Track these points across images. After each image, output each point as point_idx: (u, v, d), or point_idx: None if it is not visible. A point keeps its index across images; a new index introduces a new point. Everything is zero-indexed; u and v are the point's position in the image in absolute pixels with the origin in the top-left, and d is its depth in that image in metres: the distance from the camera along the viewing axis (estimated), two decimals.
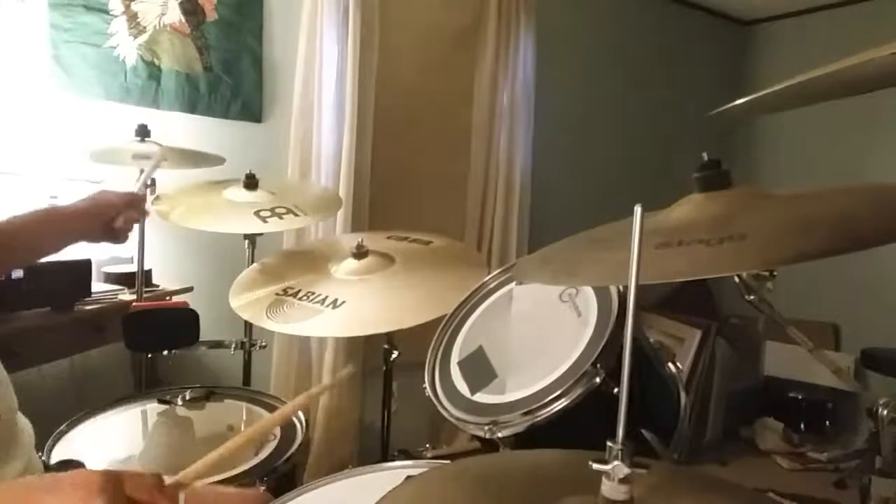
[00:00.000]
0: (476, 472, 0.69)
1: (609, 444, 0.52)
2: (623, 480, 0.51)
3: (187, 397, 1.52)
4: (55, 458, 1.19)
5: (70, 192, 1.98)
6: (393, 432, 1.73)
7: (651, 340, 1.22)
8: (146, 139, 1.87)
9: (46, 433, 1.26)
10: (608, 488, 0.52)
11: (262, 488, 1.14)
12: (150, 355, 1.88)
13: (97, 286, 1.87)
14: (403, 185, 2.72)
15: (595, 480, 0.53)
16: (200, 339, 1.70)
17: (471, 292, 1.35)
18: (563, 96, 3.16)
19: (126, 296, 1.90)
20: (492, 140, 2.84)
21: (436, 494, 0.63)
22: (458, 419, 1.13)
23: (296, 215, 1.72)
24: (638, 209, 0.53)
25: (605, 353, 1.03)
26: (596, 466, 0.52)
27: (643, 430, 1.03)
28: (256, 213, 1.68)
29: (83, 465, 1.05)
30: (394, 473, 1.06)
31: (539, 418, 1.02)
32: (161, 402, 1.50)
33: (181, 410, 1.49)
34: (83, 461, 1.07)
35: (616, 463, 0.51)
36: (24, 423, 0.90)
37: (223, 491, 1.12)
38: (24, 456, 0.87)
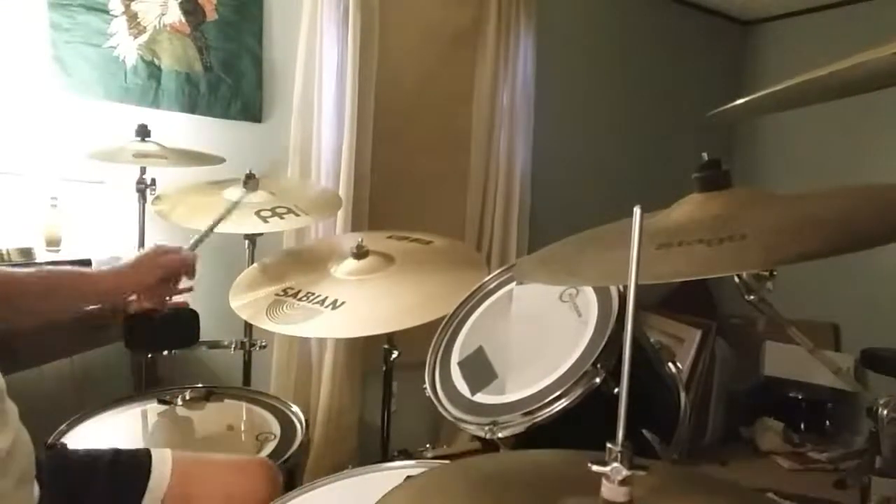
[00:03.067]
0: (476, 472, 0.69)
1: (608, 445, 0.52)
2: (622, 482, 0.51)
3: (187, 397, 1.52)
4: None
5: (70, 192, 1.98)
6: (393, 432, 1.73)
7: (651, 340, 1.22)
8: (146, 139, 1.87)
9: (46, 433, 1.26)
10: (608, 490, 0.52)
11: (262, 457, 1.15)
12: (150, 355, 1.88)
13: None
14: (403, 185, 2.72)
15: (595, 481, 0.53)
16: (200, 339, 1.70)
17: (471, 292, 1.35)
18: (563, 96, 3.16)
19: None
20: (492, 140, 2.84)
21: (436, 494, 0.63)
22: (458, 419, 1.13)
23: (296, 215, 1.72)
24: (637, 210, 0.53)
25: (606, 353, 1.03)
26: (595, 468, 0.52)
27: (643, 430, 1.03)
28: (257, 213, 1.69)
29: (66, 447, 1.06)
30: (394, 473, 1.06)
31: (539, 418, 1.02)
32: (161, 402, 1.50)
33: (181, 410, 1.49)
34: (66, 443, 1.08)
35: (615, 465, 0.51)
36: (10, 404, 0.90)
37: (219, 458, 1.12)
38: (12, 430, 0.87)
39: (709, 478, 0.67)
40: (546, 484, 0.63)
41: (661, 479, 0.62)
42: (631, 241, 0.52)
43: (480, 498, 0.61)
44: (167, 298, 1.26)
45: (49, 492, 0.93)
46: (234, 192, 1.78)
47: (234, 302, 1.54)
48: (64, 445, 1.06)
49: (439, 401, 1.18)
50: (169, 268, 1.23)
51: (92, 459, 1.03)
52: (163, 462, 1.02)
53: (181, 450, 1.09)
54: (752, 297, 0.86)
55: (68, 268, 1.16)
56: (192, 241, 1.38)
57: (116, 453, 1.04)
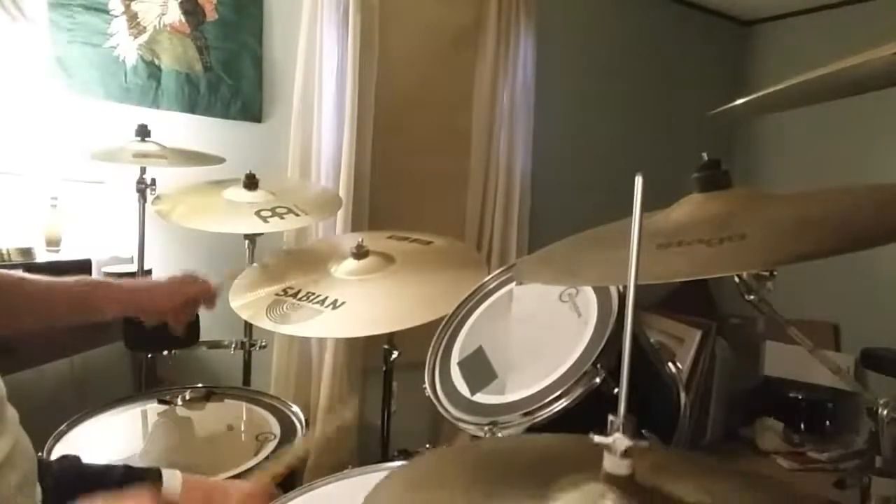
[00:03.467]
0: (477, 453, 0.69)
1: (610, 417, 0.52)
2: (625, 454, 0.51)
3: (187, 397, 1.52)
4: (55, 457, 1.19)
5: (70, 192, 1.98)
6: (393, 432, 1.73)
7: (651, 340, 1.22)
8: (146, 139, 1.87)
9: (46, 433, 1.26)
10: (610, 463, 0.52)
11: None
12: (150, 355, 1.88)
13: None
14: (403, 185, 2.72)
15: (597, 460, 0.53)
16: (200, 339, 1.70)
17: (471, 292, 1.35)
18: (563, 96, 3.16)
19: None
20: (492, 140, 2.84)
21: (436, 474, 0.63)
22: (458, 419, 1.13)
23: (296, 215, 1.72)
24: (639, 178, 0.52)
25: (606, 353, 1.03)
26: (597, 439, 0.52)
27: (643, 431, 1.03)
28: (257, 213, 1.68)
29: (79, 459, 1.05)
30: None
31: (539, 419, 1.02)
32: (161, 402, 1.50)
33: (181, 410, 1.49)
34: (80, 456, 1.07)
35: (617, 435, 0.51)
36: (10, 410, 0.90)
37: (227, 485, 1.12)
38: (12, 435, 0.87)
39: (711, 461, 0.67)
40: (548, 464, 0.62)
41: (665, 459, 0.62)
42: (631, 232, 0.52)
43: (481, 477, 0.61)
44: (181, 321, 1.28)
45: (53, 501, 0.93)
46: (234, 192, 1.78)
47: (234, 302, 1.54)
48: (77, 458, 1.06)
49: (439, 401, 1.18)
50: (194, 297, 1.27)
51: (101, 475, 1.03)
52: (172, 484, 1.02)
53: (181, 450, 1.09)
54: (752, 297, 0.86)
55: (97, 279, 1.23)
56: (223, 277, 1.42)
57: (127, 470, 1.04)
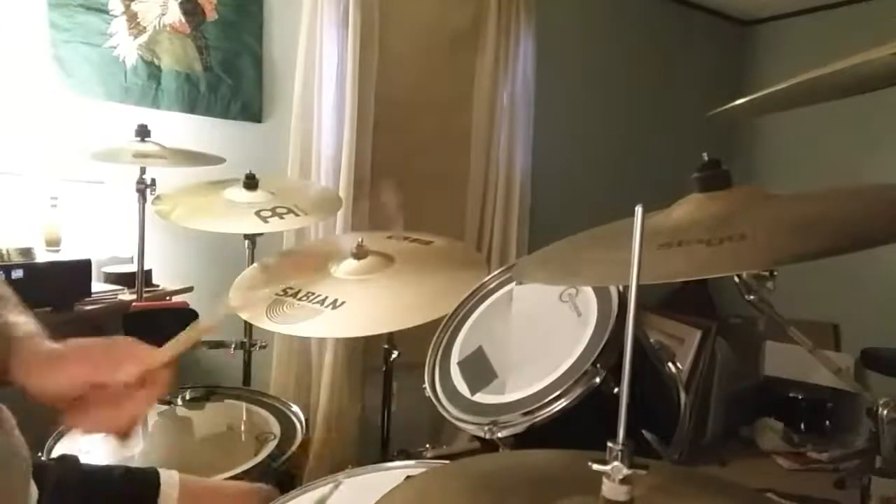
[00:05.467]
0: (476, 472, 0.69)
1: (609, 444, 0.52)
2: (623, 481, 0.51)
3: (187, 397, 1.52)
4: (54, 457, 1.19)
5: (70, 192, 1.98)
6: (393, 432, 1.73)
7: (651, 340, 1.22)
8: (146, 139, 1.87)
9: (46, 433, 1.26)
10: (608, 489, 0.52)
11: (264, 486, 1.14)
12: None
13: (97, 286, 1.87)
14: (403, 185, 2.71)
15: (595, 481, 0.53)
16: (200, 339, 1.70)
17: (471, 292, 1.35)
18: (563, 96, 3.16)
19: (126, 296, 1.90)
20: (492, 140, 2.84)
21: (436, 494, 0.63)
22: (458, 419, 1.12)
23: (296, 215, 1.72)
24: (639, 209, 0.53)
25: (605, 353, 1.03)
26: (596, 467, 0.52)
27: (643, 430, 1.03)
28: (257, 213, 1.68)
29: (78, 459, 1.05)
30: (394, 473, 1.06)
31: (539, 418, 1.02)
32: (161, 402, 1.50)
33: (181, 410, 1.49)
34: (78, 456, 1.07)
35: (616, 463, 0.51)
36: (3, 409, 0.89)
37: (224, 485, 1.12)
38: (5, 435, 0.86)
39: (709, 477, 0.67)
40: (546, 484, 0.63)
41: (662, 478, 0.62)
42: (633, 240, 0.52)
43: (480, 498, 0.61)
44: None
45: (53, 501, 0.93)
46: (234, 192, 1.78)
47: (234, 302, 1.54)
48: (76, 458, 1.06)
49: (439, 401, 1.18)
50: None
51: (100, 474, 1.02)
52: (171, 485, 1.02)
53: (180, 450, 1.09)
54: (752, 297, 0.86)
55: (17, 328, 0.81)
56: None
57: (127, 471, 1.04)
